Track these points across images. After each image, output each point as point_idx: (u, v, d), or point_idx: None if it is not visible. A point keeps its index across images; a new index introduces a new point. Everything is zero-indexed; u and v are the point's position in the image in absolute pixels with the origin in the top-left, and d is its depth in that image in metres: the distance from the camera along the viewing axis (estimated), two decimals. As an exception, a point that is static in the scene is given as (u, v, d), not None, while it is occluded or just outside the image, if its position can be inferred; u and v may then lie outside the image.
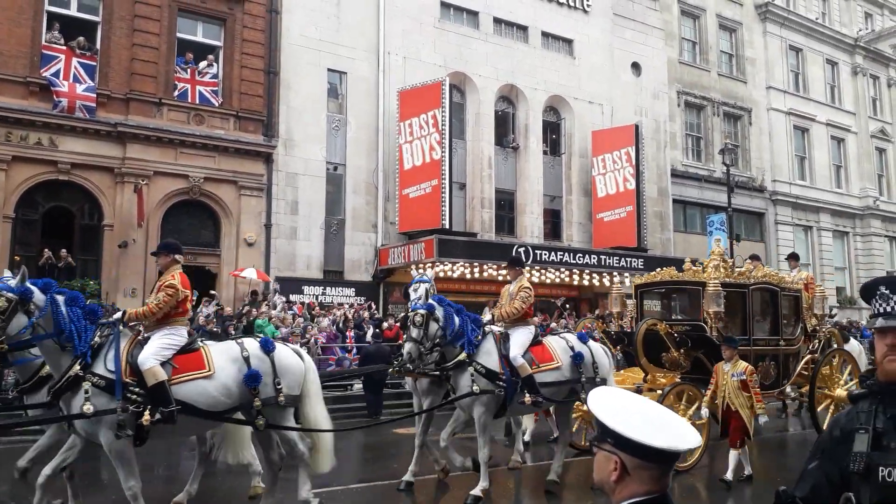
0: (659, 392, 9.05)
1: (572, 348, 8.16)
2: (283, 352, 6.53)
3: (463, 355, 7.40)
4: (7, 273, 6.13)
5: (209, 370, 6.05)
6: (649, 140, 25.20)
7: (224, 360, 6.16)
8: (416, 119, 19.82)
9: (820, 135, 32.17)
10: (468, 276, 20.47)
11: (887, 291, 2.18)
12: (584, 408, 9.35)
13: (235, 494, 7.53)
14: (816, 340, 11.01)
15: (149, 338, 6.03)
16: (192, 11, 18.56)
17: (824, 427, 9.80)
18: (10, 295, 5.41)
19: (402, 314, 8.73)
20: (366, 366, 13.96)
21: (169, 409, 5.66)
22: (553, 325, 17.81)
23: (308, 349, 15.26)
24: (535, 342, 8.00)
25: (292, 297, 18.12)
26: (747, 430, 8.12)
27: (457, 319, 7.54)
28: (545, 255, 20.88)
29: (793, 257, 12.73)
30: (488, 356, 7.52)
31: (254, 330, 15.54)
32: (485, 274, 20.71)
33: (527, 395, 7.51)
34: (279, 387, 6.23)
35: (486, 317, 8.19)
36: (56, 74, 16.48)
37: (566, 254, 21.50)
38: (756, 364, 9.55)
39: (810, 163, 31.76)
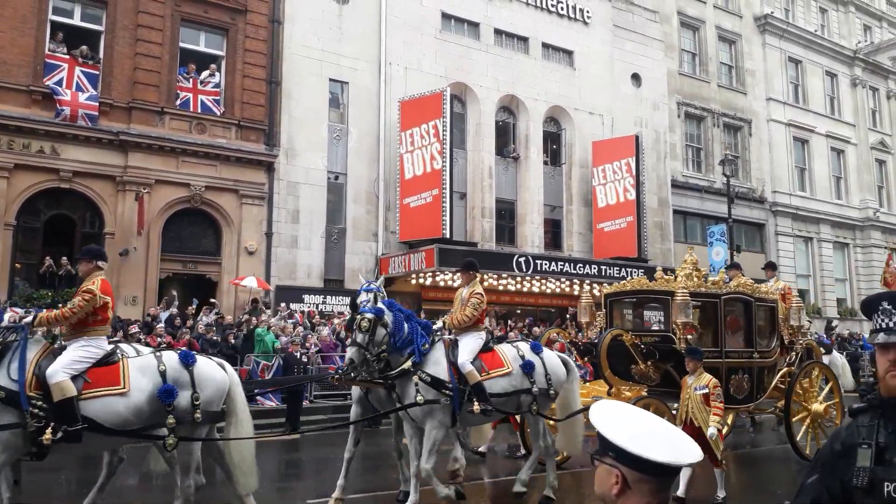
0: None
1: (523, 357, 7.78)
2: (205, 365, 6.14)
3: (408, 364, 7.06)
4: None
5: (123, 387, 5.67)
6: (649, 151, 25.26)
7: (141, 374, 5.79)
8: (417, 129, 19.89)
9: (820, 146, 32.26)
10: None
11: (890, 307, 2.17)
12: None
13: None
14: (794, 353, 10.63)
15: (65, 347, 5.72)
16: (195, 21, 18.66)
17: (799, 439, 9.72)
18: None
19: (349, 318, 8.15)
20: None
21: (74, 428, 5.29)
22: (512, 334, 17.78)
23: (308, 358, 15.27)
24: (487, 349, 7.68)
25: (293, 306, 18.11)
26: (712, 449, 7.63)
27: (406, 326, 7.21)
28: (545, 264, 20.89)
29: (769, 267, 12.42)
30: (436, 365, 7.20)
31: (254, 339, 15.58)
32: (485, 284, 20.70)
33: (476, 403, 7.12)
34: (197, 402, 5.84)
35: (438, 324, 7.85)
36: (59, 83, 16.55)
37: (566, 264, 21.52)
38: (728, 377, 9.28)
39: (810, 174, 31.83)
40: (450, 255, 19.03)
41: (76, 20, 17.49)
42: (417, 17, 21.64)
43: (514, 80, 23.16)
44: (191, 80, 18.38)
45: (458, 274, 8.40)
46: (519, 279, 20.93)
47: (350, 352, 6.95)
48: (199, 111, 18.31)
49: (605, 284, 21.89)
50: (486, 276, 20.45)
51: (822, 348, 15.36)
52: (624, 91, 25.75)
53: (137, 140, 17.12)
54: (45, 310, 6.08)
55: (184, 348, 6.68)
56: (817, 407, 10.36)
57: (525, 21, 23.76)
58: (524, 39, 23.87)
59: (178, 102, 18.12)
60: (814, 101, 32.51)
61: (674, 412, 8.37)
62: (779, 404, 10.45)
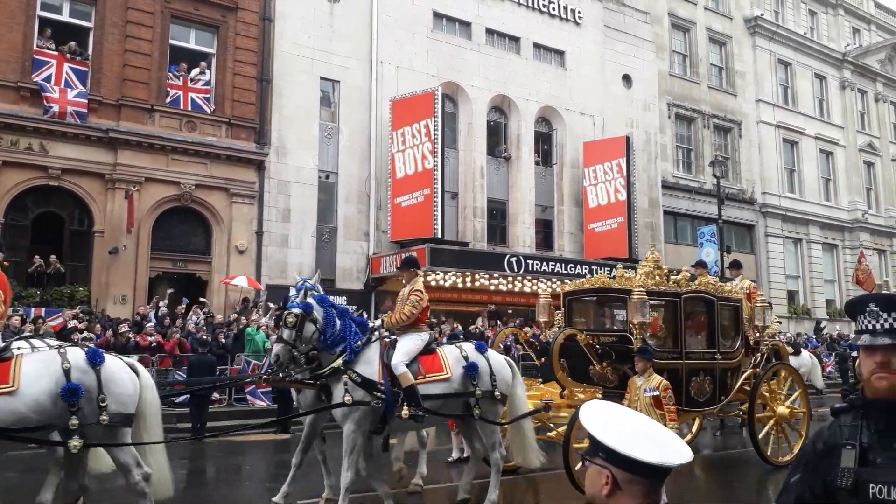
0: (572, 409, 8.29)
1: (466, 358, 7.33)
2: (113, 365, 5.76)
3: (338, 362, 6.72)
4: None
5: (11, 385, 5.28)
6: (640, 151, 25.33)
7: (37, 372, 5.41)
8: (408, 128, 19.85)
9: (809, 148, 32.47)
10: (460, 285, 20.44)
11: (877, 308, 2.16)
12: (553, 433, 8.76)
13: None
14: (759, 354, 10.27)
15: None
16: (185, 18, 18.54)
17: (756, 441, 9.49)
18: None
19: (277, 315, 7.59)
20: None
21: None
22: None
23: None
24: (428, 350, 7.31)
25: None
26: None
27: (338, 323, 6.87)
28: (536, 264, 20.90)
29: (734, 265, 12.08)
30: (368, 365, 6.84)
31: (244, 338, 15.49)
32: (476, 283, 20.70)
33: (406, 407, 6.75)
34: (103, 404, 5.48)
35: (376, 323, 7.58)
36: (47, 80, 16.41)
37: (558, 264, 21.53)
38: (689, 379, 8.97)
39: (799, 175, 32.02)
40: (441, 254, 19.02)
41: (65, 16, 17.34)
42: (409, 17, 21.60)
43: (505, 80, 23.16)
44: (181, 77, 18.26)
45: (400, 270, 7.78)
46: (510, 279, 20.92)
47: (276, 349, 6.66)
48: (190, 109, 18.19)
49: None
50: (477, 276, 20.45)
51: (790, 348, 15.34)
52: (615, 92, 25.80)
53: (127, 137, 16.98)
54: None
55: (92, 346, 6.27)
56: (782, 410, 10.09)
57: (517, 21, 23.77)
58: (516, 39, 23.88)
59: (168, 100, 18.00)
60: (803, 104, 32.72)
61: None
62: (743, 407, 10.16)
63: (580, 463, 7.74)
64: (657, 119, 26.97)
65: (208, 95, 18.58)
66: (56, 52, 16.68)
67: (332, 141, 20.25)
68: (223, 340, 15.19)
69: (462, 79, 22.31)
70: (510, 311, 21.82)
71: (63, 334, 13.57)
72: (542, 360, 9.55)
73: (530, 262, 20.79)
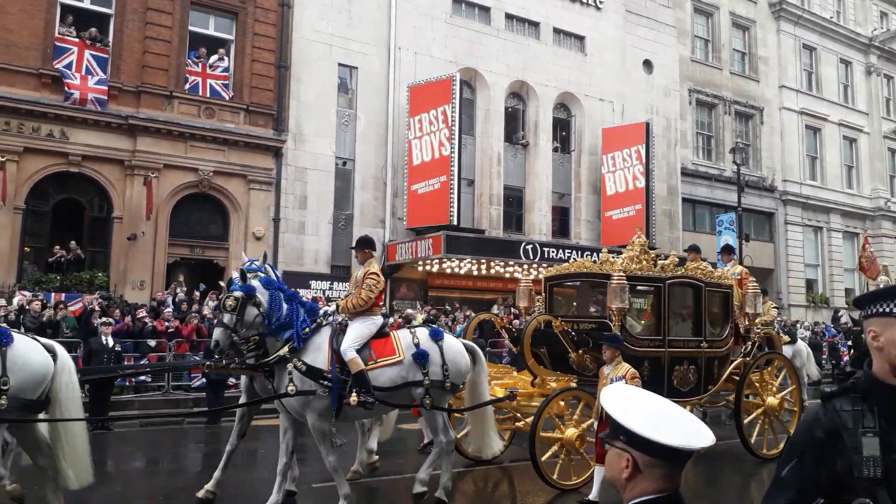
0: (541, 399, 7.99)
1: (417, 344, 6.97)
2: (23, 347, 5.50)
3: (284, 350, 6.45)
4: None
5: None
6: (660, 138, 25.09)
7: None
8: (425, 115, 19.80)
9: (832, 135, 31.96)
10: (475, 272, 20.50)
11: None
12: (521, 423, 8.43)
13: (245, 485, 7.60)
14: (750, 342, 9.90)
15: None
16: (204, 5, 18.58)
17: (745, 431, 9.27)
18: None
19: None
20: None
21: None
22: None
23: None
24: (382, 335, 7.02)
25: (300, 292, 18.15)
26: None
27: (285, 307, 6.59)
28: (553, 252, 20.85)
29: (726, 250, 11.52)
30: (317, 351, 6.56)
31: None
32: (492, 271, 20.74)
33: (353, 394, 6.44)
34: (5, 387, 5.26)
35: (330, 308, 7.24)
36: (68, 66, 16.54)
37: (574, 251, 21.45)
38: (672, 368, 8.63)
39: (821, 163, 31.57)
40: (457, 241, 19.04)
41: (86, 3, 17.40)
42: (428, 2, 21.47)
43: (524, 65, 22.99)
44: (200, 64, 18.34)
45: (356, 253, 7.41)
46: (526, 267, 20.90)
47: (216, 333, 6.41)
48: (208, 95, 18.28)
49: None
50: (492, 264, 20.47)
51: (785, 336, 14.98)
52: (635, 77, 25.53)
53: (146, 124, 17.12)
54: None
55: (3, 325, 6.04)
56: (772, 400, 9.76)
57: (537, 6, 23.54)
58: (535, 24, 23.66)
59: (187, 87, 18.08)
60: (827, 89, 32.15)
61: None
62: (730, 397, 9.79)
63: (548, 453, 7.71)
64: (678, 105, 26.66)
65: (227, 82, 18.65)
66: (77, 39, 16.78)
67: (350, 128, 20.28)
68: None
69: (480, 64, 22.18)
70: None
71: (82, 318, 13.85)
72: (518, 346, 9.19)
73: (546, 249, 20.74)
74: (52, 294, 14.82)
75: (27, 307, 13.59)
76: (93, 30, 17.07)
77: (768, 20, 30.53)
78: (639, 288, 8.97)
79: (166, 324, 14.53)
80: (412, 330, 7.34)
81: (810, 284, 30.42)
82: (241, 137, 18.29)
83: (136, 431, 12.14)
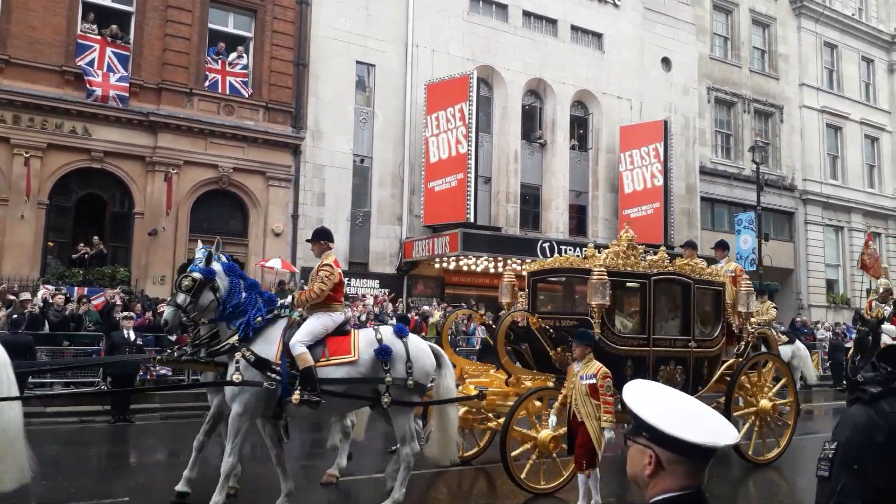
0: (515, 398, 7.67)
1: (380, 341, 6.66)
2: None
3: (234, 339, 6.26)
4: None
5: None
6: (678, 136, 24.96)
7: None
8: (442, 112, 19.82)
9: (853, 133, 31.62)
10: (492, 270, 20.48)
11: None
12: (494, 423, 8.14)
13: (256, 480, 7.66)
14: (743, 342, 9.46)
15: None
16: (224, 2, 18.75)
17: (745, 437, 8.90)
18: None
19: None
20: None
21: None
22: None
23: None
24: (341, 332, 6.76)
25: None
26: (594, 448, 6.54)
27: (243, 295, 6.41)
28: (570, 250, 20.72)
29: (720, 246, 10.89)
30: (268, 343, 6.34)
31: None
32: (508, 268, 20.68)
33: (297, 391, 6.16)
34: None
35: (286, 300, 7.03)
36: (90, 64, 16.72)
37: (591, 250, 21.38)
38: (657, 368, 8.24)
39: (842, 162, 31.23)
40: (473, 239, 19.05)
41: (107, 0, 17.61)
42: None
43: (541, 63, 22.95)
44: (219, 61, 18.48)
45: (313, 246, 7.18)
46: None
47: (166, 311, 6.28)
48: (228, 93, 18.42)
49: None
50: (509, 261, 20.39)
51: (783, 336, 14.47)
52: (653, 75, 25.41)
53: (166, 121, 17.29)
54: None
55: None
56: (765, 403, 9.35)
57: (554, 3, 23.48)
58: (553, 22, 23.61)
59: (207, 84, 18.24)
60: (848, 87, 31.80)
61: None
62: (720, 400, 9.32)
63: (519, 450, 7.48)
64: (696, 103, 26.50)
65: (246, 79, 18.79)
66: (99, 37, 16.97)
67: (367, 125, 20.34)
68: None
69: (498, 62, 22.16)
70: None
71: (104, 313, 14.02)
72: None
73: (563, 247, 20.62)
74: (75, 288, 15.02)
75: (51, 301, 13.80)
76: (114, 27, 17.27)
77: (789, 17, 30.25)
78: (628, 285, 8.56)
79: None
80: (375, 327, 7.13)
81: (831, 285, 30.11)
82: (259, 134, 18.42)
83: (157, 424, 12.27)
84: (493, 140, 22.13)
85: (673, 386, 8.32)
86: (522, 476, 7.26)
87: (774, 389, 9.86)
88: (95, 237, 16.45)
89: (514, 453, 7.29)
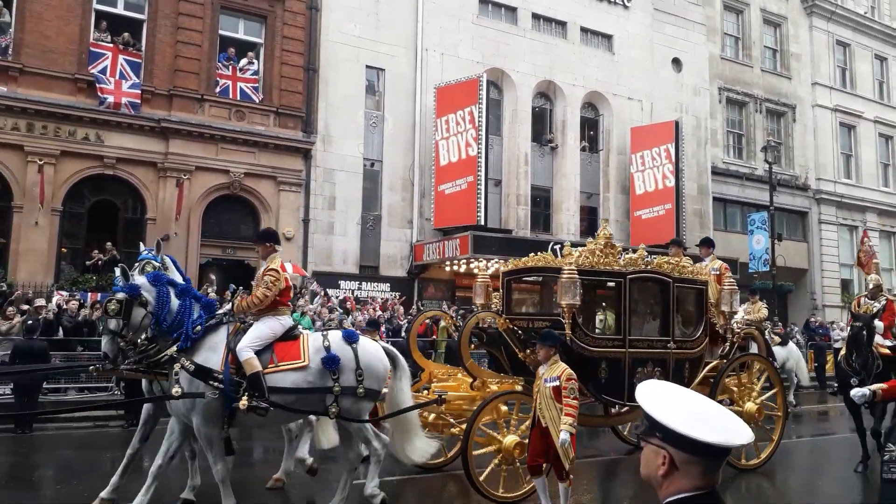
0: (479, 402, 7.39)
1: (327, 348, 6.42)
2: None
3: (172, 349, 6.04)
4: None
5: None
6: (689, 137, 24.86)
7: None
8: (452, 115, 19.85)
9: (867, 132, 31.35)
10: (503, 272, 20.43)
11: None
12: (456, 429, 7.78)
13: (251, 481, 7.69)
14: (728, 344, 9.11)
15: None
16: (234, 9, 18.86)
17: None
18: None
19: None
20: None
21: None
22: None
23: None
24: (290, 337, 6.51)
25: (330, 292, 18.33)
26: (562, 456, 6.21)
27: (175, 304, 6.16)
28: (581, 252, 20.73)
29: (705, 243, 10.53)
30: (211, 351, 6.15)
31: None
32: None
33: (244, 398, 5.95)
34: None
35: (226, 307, 6.78)
36: (103, 71, 16.89)
37: (602, 252, 21.32)
38: (634, 370, 7.91)
39: (856, 161, 30.98)
40: (484, 242, 19.03)
41: (119, 9, 17.78)
42: (455, 3, 21.53)
43: (551, 65, 22.93)
44: (230, 67, 18.61)
45: (258, 247, 6.99)
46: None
47: (103, 343, 6.00)
48: (238, 98, 18.54)
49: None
50: (520, 263, 20.37)
51: (776, 338, 14.08)
52: (664, 76, 25.32)
53: (178, 127, 17.42)
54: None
55: None
56: (750, 406, 9.03)
57: (564, 5, 23.47)
58: (562, 24, 23.59)
59: (218, 90, 18.36)
60: (862, 86, 31.55)
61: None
62: None
63: (481, 451, 7.18)
64: (707, 103, 26.38)
65: (256, 85, 18.90)
66: (111, 45, 17.14)
67: (377, 129, 20.40)
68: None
69: (507, 65, 22.17)
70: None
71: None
72: (472, 346, 8.60)
73: (574, 249, 20.61)
74: (89, 294, 15.14)
75: (65, 307, 13.92)
76: (126, 35, 17.43)
77: (800, 16, 30.07)
78: (609, 284, 8.24)
79: (198, 323, 14.71)
80: (324, 332, 6.84)
81: (846, 285, 29.83)
82: (270, 139, 18.51)
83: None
84: (503, 142, 22.13)
85: None
86: (482, 479, 6.97)
87: (768, 395, 9.57)
88: (108, 243, 16.58)
89: (476, 452, 7.06)
